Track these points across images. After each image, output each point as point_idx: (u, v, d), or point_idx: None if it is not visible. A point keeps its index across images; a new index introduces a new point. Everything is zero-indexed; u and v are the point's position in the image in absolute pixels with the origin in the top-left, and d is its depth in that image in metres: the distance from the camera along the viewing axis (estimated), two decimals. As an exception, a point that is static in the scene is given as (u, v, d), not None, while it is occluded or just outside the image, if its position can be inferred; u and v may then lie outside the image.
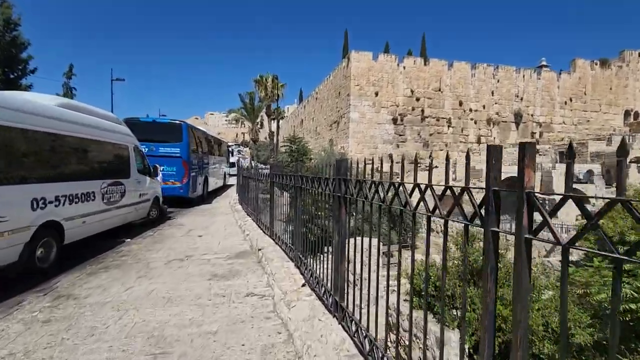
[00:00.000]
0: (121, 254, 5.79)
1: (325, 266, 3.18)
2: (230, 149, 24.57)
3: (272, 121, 33.43)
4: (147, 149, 11.67)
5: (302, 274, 4.06)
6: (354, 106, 34.80)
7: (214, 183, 16.48)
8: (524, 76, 37.14)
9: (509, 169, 27.84)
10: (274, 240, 5.88)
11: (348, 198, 2.67)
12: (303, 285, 3.74)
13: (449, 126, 36.10)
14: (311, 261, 3.77)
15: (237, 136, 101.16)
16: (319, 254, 3.44)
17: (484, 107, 36.36)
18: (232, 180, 22.44)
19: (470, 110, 36.20)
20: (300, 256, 4.19)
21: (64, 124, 5.36)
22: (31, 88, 19.98)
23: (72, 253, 5.75)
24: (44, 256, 4.88)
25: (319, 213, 3.79)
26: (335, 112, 39.20)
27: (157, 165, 9.02)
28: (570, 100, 37.68)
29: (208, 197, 14.86)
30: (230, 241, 6.77)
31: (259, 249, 5.51)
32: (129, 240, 6.92)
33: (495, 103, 36.52)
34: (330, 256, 3.16)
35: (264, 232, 6.65)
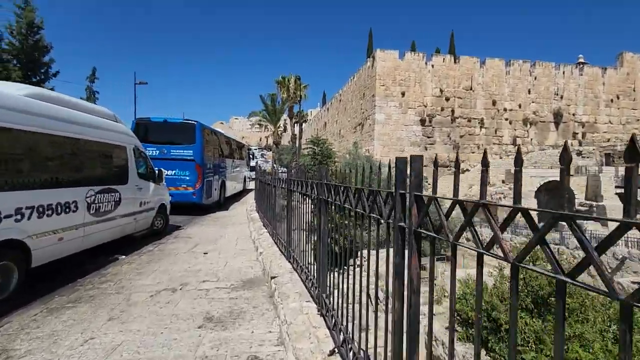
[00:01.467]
0: (104, 279, 4.69)
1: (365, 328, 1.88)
2: (250, 152, 23.67)
3: (295, 124, 32.40)
4: (158, 152, 10.78)
5: (329, 327, 2.76)
6: (380, 107, 33.33)
7: (232, 188, 15.49)
8: (564, 73, 34.38)
9: (547, 172, 25.02)
10: (291, 264, 4.62)
11: (431, 237, 1.35)
12: (332, 353, 2.43)
13: (481, 127, 33.90)
14: (341, 308, 2.48)
15: (260, 140, 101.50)
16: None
17: (519, 106, 33.90)
18: (253, 185, 21.52)
19: (505, 109, 33.84)
20: (327, 301, 2.89)
21: (34, 119, 4.33)
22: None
23: (47, 275, 4.72)
24: (0, 285, 3.84)
25: (345, 222, 2.51)
26: (360, 113, 37.83)
27: (162, 170, 7.99)
28: (617, 97, 34.51)
29: (225, 202, 13.85)
30: (240, 261, 5.56)
31: (272, 277, 4.25)
32: (122, 257, 5.86)
33: (533, 102, 33.97)
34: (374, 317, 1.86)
35: (281, 251, 5.40)
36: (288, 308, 3.28)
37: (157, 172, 7.75)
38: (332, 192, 2.70)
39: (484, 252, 1.15)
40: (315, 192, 3.29)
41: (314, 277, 3.41)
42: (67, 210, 4.77)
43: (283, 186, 5.28)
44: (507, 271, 7.78)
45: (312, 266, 3.67)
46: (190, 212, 11.04)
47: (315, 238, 3.65)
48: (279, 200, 6.02)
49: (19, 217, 3.97)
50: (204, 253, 6.06)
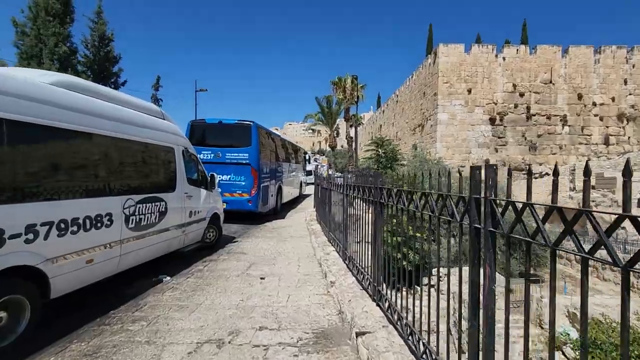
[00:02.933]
0: (138, 314, 3.67)
1: None
2: (307, 155, 22.75)
3: (351, 127, 31.08)
4: (212, 155, 10.05)
5: None
6: (443, 106, 30.84)
7: (288, 194, 14.51)
8: (672, 58, 28.95)
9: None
10: (383, 310, 3.21)
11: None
12: None
13: (564, 125, 29.75)
14: None
15: (313, 145, 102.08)
16: None
17: (612, 99, 29.18)
18: (309, 190, 20.55)
19: (594, 104, 29.35)
20: None
21: (60, 112, 3.45)
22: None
23: (73, 303, 3.83)
24: (4, 326, 2.93)
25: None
26: (420, 114, 35.49)
27: (215, 174, 7.06)
28: None
29: (282, 209, 12.87)
30: (306, 295, 4.27)
31: (359, 334, 2.88)
32: (167, 278, 4.90)
33: (630, 94, 29.07)
34: None
35: (360, 285, 4.02)
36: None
37: (209, 177, 6.83)
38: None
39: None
40: (456, 215, 1.85)
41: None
42: (99, 224, 3.85)
43: (366, 197, 3.90)
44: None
45: (428, 320, 2.23)
46: (244, 220, 10.16)
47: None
48: (353, 211, 4.67)
49: (31, 236, 3.05)
50: (261, 278, 4.88)
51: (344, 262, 5.02)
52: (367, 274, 3.74)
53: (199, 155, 10.25)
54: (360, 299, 3.60)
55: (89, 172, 3.86)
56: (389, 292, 3.09)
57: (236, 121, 10.20)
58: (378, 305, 3.32)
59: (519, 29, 36.16)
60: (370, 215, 3.62)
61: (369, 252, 3.66)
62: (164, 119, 5.68)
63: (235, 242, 7.57)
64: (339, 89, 28.05)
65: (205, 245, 6.78)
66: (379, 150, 13.10)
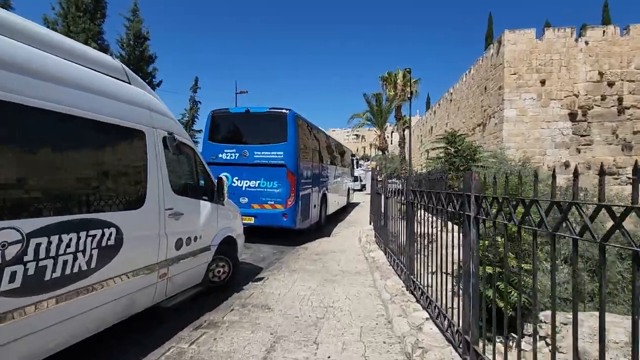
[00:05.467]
0: None
1: None
2: (355, 158, 20.05)
3: (403, 128, 27.90)
4: (237, 154, 7.73)
5: None
6: (510, 101, 26.76)
7: (334, 204, 11.84)
8: None
9: None
10: None
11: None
12: None
13: (669, 119, 24.28)
14: None
15: (357, 150, 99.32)
16: None
17: None
18: (358, 198, 17.81)
19: None
20: None
21: None
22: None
23: None
24: None
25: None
26: (480, 111, 31.39)
27: (223, 178, 4.60)
28: None
29: (326, 223, 10.28)
30: None
31: None
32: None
33: None
34: None
35: None
36: None
37: (215, 182, 4.39)
38: None
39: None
40: None
41: None
42: None
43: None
44: None
45: None
46: (278, 238, 7.71)
47: None
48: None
49: None
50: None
51: (455, 348, 2.25)
52: None
53: (220, 155, 8.04)
54: None
55: None
56: None
57: (267, 109, 7.79)
58: None
59: (597, 13, 30.91)
60: None
61: None
62: (129, 83, 3.32)
63: (258, 280, 5.02)
64: (389, 85, 25.14)
65: (211, 287, 4.33)
66: (451, 148, 10.09)
